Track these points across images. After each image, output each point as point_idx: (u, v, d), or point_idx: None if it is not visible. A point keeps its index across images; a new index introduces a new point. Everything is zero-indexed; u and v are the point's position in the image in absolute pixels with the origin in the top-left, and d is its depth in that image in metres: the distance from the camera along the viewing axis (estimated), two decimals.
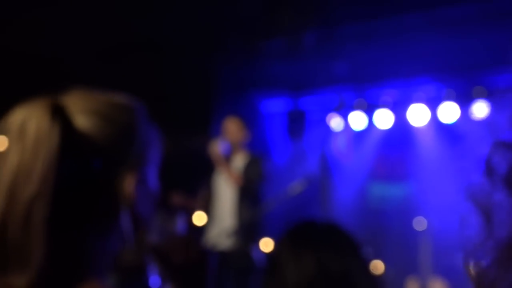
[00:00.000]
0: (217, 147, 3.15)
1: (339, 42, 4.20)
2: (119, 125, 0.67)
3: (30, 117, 0.60)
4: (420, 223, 3.67)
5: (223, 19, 3.94)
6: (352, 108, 5.32)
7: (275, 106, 6.09)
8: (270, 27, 3.64)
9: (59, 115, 0.62)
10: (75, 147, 0.62)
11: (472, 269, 0.62)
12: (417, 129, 5.38)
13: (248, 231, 3.08)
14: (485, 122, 5.02)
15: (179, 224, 3.24)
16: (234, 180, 3.11)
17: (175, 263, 0.86)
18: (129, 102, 0.72)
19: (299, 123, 5.57)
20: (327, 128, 5.50)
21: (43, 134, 0.59)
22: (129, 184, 0.67)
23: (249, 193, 3.13)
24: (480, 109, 4.76)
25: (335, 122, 5.34)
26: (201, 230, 3.59)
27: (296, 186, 2.52)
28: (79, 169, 0.63)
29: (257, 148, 5.74)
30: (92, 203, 0.65)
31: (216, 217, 3.18)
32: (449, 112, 4.88)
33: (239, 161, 3.31)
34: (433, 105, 5.10)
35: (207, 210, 3.37)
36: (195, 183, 3.54)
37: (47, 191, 0.58)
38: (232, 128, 3.35)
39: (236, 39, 4.15)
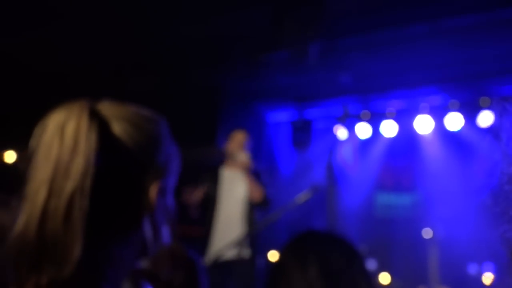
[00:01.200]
0: (248, 161, 3.18)
1: (343, 53, 4.23)
2: (148, 134, 0.70)
3: (69, 118, 0.62)
4: (427, 233, 3.64)
5: (229, 31, 3.98)
6: (357, 118, 5.33)
7: (280, 117, 6.11)
8: (274, 39, 3.67)
9: (96, 117, 0.64)
10: (110, 149, 0.64)
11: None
12: (423, 138, 5.37)
13: (254, 241, 3.08)
14: (491, 131, 5.01)
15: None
16: (259, 193, 3.13)
17: (163, 280, 0.84)
18: (154, 114, 0.75)
19: (304, 134, 5.58)
20: (333, 138, 5.51)
21: (82, 133, 0.61)
22: (153, 193, 0.68)
23: (265, 205, 3.16)
24: (486, 118, 4.75)
25: (341, 132, 5.34)
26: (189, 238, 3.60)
27: (302, 196, 2.52)
28: (113, 170, 0.65)
29: (263, 159, 5.75)
30: (121, 205, 0.66)
31: (222, 227, 3.17)
32: (454, 121, 4.88)
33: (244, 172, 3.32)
34: (438, 115, 5.11)
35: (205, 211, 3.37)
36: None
37: (87, 187, 0.60)
38: (246, 141, 3.39)
39: (241, 52, 4.19)
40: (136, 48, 4.36)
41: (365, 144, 5.66)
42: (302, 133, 5.58)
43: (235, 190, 3.21)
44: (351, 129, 5.33)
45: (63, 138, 0.61)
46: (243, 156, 3.21)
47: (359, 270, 0.93)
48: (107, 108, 0.69)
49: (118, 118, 0.68)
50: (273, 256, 4.78)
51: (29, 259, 0.58)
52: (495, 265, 4.24)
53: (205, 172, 3.46)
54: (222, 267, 2.87)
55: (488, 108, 4.80)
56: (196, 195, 3.27)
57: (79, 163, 0.60)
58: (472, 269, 4.29)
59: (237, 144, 3.36)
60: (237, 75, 4.73)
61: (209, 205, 3.32)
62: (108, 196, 0.64)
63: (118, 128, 0.67)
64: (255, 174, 3.31)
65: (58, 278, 0.57)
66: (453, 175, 5.17)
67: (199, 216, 3.44)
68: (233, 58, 4.31)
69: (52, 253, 0.57)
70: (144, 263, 0.85)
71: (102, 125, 0.65)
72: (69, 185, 0.59)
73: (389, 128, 5.19)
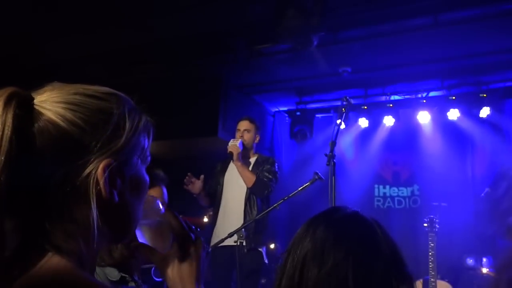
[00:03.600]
0: (238, 147, 3.18)
1: (344, 45, 4.23)
2: (87, 112, 0.66)
3: None
4: (427, 225, 3.68)
5: (230, 23, 3.99)
6: (357, 110, 5.35)
7: (281, 109, 6.13)
8: (276, 31, 3.68)
9: (16, 102, 0.62)
10: (34, 133, 0.63)
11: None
12: (423, 130, 5.39)
13: (257, 229, 3.11)
14: (490, 124, 5.03)
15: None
16: (249, 179, 3.14)
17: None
18: (104, 90, 0.71)
19: (305, 125, 5.60)
20: (333, 130, 5.52)
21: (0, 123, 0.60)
22: (100, 171, 0.65)
23: (260, 192, 3.16)
24: (485, 111, 4.77)
25: (341, 124, 5.37)
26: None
27: (305, 185, 2.55)
28: (41, 155, 0.63)
29: (264, 150, 5.78)
30: (60, 188, 0.64)
31: (225, 215, 3.21)
32: (454, 113, 4.90)
33: (251, 161, 3.34)
34: (438, 107, 5.13)
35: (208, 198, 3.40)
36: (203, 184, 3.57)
37: (3, 180, 0.59)
38: (248, 130, 3.39)
39: (243, 43, 4.20)
40: (138, 38, 4.36)
41: (365, 136, 5.68)
42: (302, 125, 5.60)
43: (237, 178, 3.24)
44: (351, 121, 5.35)
45: None
46: (230, 143, 3.23)
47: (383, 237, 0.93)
48: (44, 92, 0.67)
49: (52, 100, 0.66)
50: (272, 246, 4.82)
51: None
52: (493, 258, 4.28)
53: (219, 162, 3.50)
54: (223, 253, 2.91)
55: (488, 100, 4.82)
56: (194, 184, 3.30)
57: None
58: (470, 262, 4.34)
59: (239, 135, 3.39)
60: (238, 66, 4.74)
61: (216, 194, 3.37)
62: (44, 183, 0.63)
63: (49, 111, 0.65)
64: (263, 161, 3.33)
65: None
66: (452, 166, 5.20)
67: (209, 205, 3.48)
68: (234, 49, 4.32)
69: None
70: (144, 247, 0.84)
71: (22, 110, 0.62)
72: None
73: (389, 120, 5.22)
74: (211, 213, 4.65)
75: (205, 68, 4.80)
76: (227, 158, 3.46)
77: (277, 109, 6.17)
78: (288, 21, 3.54)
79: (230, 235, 2.65)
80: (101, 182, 0.65)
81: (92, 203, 0.65)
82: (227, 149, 3.22)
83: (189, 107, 4.89)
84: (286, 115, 6.12)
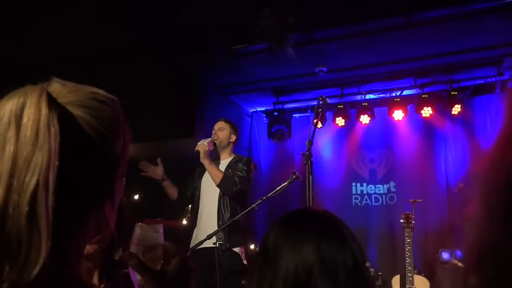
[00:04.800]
0: (205, 145, 3.14)
1: (320, 45, 4.27)
2: (105, 120, 0.66)
3: (26, 106, 0.57)
4: (403, 221, 3.75)
5: (207, 22, 3.97)
6: (333, 108, 5.41)
7: (258, 109, 6.14)
8: (252, 31, 3.69)
9: (55, 104, 0.60)
10: (72, 138, 0.61)
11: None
12: (397, 128, 5.50)
13: (231, 230, 3.07)
14: (461, 121, 5.16)
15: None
16: (216, 176, 3.11)
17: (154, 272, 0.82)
18: (109, 96, 0.70)
19: (282, 125, 5.63)
20: (310, 129, 5.57)
21: (42, 124, 0.56)
22: (113, 178, 0.67)
23: (228, 189, 3.12)
24: (456, 109, 4.90)
25: (318, 123, 5.41)
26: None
27: (282, 186, 2.56)
28: (76, 161, 0.62)
29: (242, 150, 5.77)
30: (86, 194, 0.63)
31: (203, 217, 3.18)
32: (427, 112, 5.00)
33: (227, 161, 3.33)
34: (412, 105, 5.23)
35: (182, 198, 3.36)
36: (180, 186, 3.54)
37: (52, 182, 0.55)
38: (222, 129, 3.36)
39: (220, 43, 4.19)
40: (114, 37, 4.30)
41: (342, 135, 5.75)
42: (280, 125, 5.63)
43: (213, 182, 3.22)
44: (328, 120, 5.41)
45: (20, 129, 0.56)
46: (200, 142, 3.21)
47: (357, 247, 0.92)
48: (61, 92, 0.65)
49: (74, 104, 0.64)
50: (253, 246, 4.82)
51: None
52: (465, 252, 4.39)
53: (198, 165, 3.45)
54: (202, 255, 2.88)
55: (459, 98, 4.95)
56: (155, 170, 3.25)
57: (42, 157, 0.55)
58: (445, 256, 4.44)
59: (214, 132, 3.37)
60: (215, 67, 4.72)
61: (193, 196, 3.33)
62: (72, 188, 0.61)
63: (76, 116, 0.63)
64: (237, 161, 3.31)
65: (23, 281, 0.51)
66: (427, 163, 5.31)
67: (180, 200, 3.43)
68: (211, 49, 4.30)
69: (16, 254, 0.52)
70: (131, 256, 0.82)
71: (63, 114, 0.60)
72: (32, 181, 0.54)
73: (365, 119, 5.29)
74: (189, 215, 4.61)
75: (182, 68, 4.76)
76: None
77: (254, 110, 6.18)
78: (264, 21, 3.55)
79: (209, 237, 2.63)
80: (114, 189, 0.67)
81: (107, 208, 0.66)
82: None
83: (165, 108, 4.84)
84: (264, 115, 6.14)
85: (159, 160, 3.27)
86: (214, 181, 3.14)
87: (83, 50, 4.41)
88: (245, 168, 3.22)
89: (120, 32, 4.19)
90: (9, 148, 0.55)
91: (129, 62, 4.58)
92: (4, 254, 0.52)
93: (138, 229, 0.85)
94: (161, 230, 0.86)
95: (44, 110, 0.57)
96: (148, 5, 3.80)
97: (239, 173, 3.18)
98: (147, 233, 0.85)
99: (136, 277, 0.80)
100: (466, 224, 3.83)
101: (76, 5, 3.77)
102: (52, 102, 0.59)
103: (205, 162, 3.12)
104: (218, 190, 3.18)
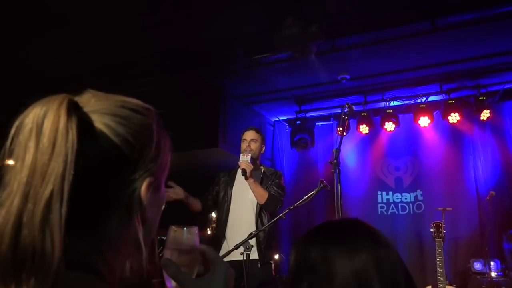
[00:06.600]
0: (249, 163, 3.11)
1: (343, 52, 4.24)
2: (134, 128, 0.64)
3: (47, 114, 0.57)
4: (433, 230, 3.64)
5: (228, 33, 3.99)
6: (358, 116, 5.34)
7: (281, 118, 6.12)
8: (275, 40, 3.68)
9: (76, 112, 0.59)
10: (91, 147, 0.60)
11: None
12: (424, 135, 5.38)
13: (268, 244, 3.07)
14: (490, 126, 5.02)
15: None
16: (262, 196, 3.08)
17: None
18: (142, 104, 0.69)
19: (305, 134, 5.59)
20: (335, 137, 5.52)
21: (59, 132, 0.56)
22: (144, 189, 0.64)
23: (272, 208, 3.12)
24: (485, 114, 4.77)
25: (342, 130, 5.37)
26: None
27: (310, 195, 2.51)
28: (95, 170, 0.60)
29: (265, 160, 5.75)
30: (108, 205, 0.62)
31: (234, 229, 3.14)
32: (454, 118, 4.89)
33: (258, 174, 3.29)
34: (438, 112, 5.12)
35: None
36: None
37: (66, 191, 0.55)
38: (255, 140, 3.33)
39: (242, 52, 4.19)
40: (138, 51, 4.36)
41: (366, 143, 5.67)
42: (303, 133, 5.59)
43: (246, 192, 3.20)
44: (351, 128, 5.34)
45: (40, 137, 0.56)
46: (241, 159, 3.17)
47: (397, 255, 0.90)
48: (89, 101, 0.64)
49: (101, 112, 0.63)
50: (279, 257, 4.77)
51: (4, 271, 0.52)
52: (499, 261, 4.23)
53: (221, 172, 3.44)
54: (232, 267, 2.85)
55: (488, 103, 4.82)
56: (174, 189, 3.22)
57: (57, 166, 0.55)
58: (478, 266, 4.28)
59: (245, 145, 3.34)
60: (237, 77, 4.73)
61: (220, 206, 3.32)
62: (92, 197, 0.60)
63: (100, 123, 0.62)
64: (271, 175, 3.28)
65: None
66: (455, 170, 5.17)
67: (203, 210, 3.40)
68: (233, 60, 4.31)
69: (30, 263, 0.52)
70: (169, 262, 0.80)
71: (82, 122, 0.59)
72: (46, 190, 0.54)
73: (390, 126, 5.20)
74: (214, 225, 4.60)
75: (204, 79, 4.79)
76: (231, 169, 3.42)
77: (277, 119, 6.16)
78: (287, 30, 3.53)
79: (237, 247, 2.61)
80: (144, 200, 0.65)
81: (136, 220, 0.64)
82: (238, 164, 3.17)
83: (188, 119, 4.87)
84: (286, 124, 6.11)
85: (172, 183, 3.25)
86: (258, 200, 3.14)
87: (108, 65, 4.49)
88: (281, 184, 3.24)
89: (144, 44, 4.25)
90: (29, 157, 0.55)
91: (153, 74, 4.63)
92: (20, 262, 0.53)
93: (172, 232, 0.82)
94: (196, 232, 0.83)
95: (63, 118, 0.57)
96: (170, 18, 3.85)
97: (277, 189, 3.18)
98: (182, 236, 0.82)
99: (171, 283, 0.77)
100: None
101: (103, 20, 3.84)
102: (73, 110, 0.58)
103: (251, 181, 3.11)
104: (254, 203, 3.18)
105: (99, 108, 0.64)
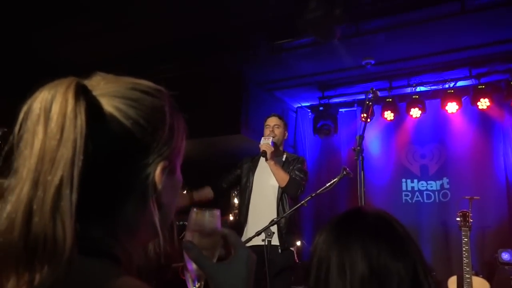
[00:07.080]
0: (270, 145, 3.09)
1: (367, 36, 4.13)
2: (146, 110, 0.62)
3: (55, 99, 0.55)
4: (460, 219, 3.55)
5: (251, 18, 3.94)
6: (382, 102, 5.23)
7: (303, 104, 6.05)
8: (298, 25, 3.60)
9: (84, 95, 0.57)
10: (101, 131, 0.58)
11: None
12: (451, 121, 5.23)
13: (289, 229, 3.06)
14: None
15: None
16: (283, 179, 3.07)
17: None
18: (154, 86, 0.67)
19: (328, 120, 5.51)
20: (359, 123, 5.42)
21: (68, 117, 0.55)
22: (158, 172, 0.63)
23: (294, 191, 3.10)
24: None
25: (366, 117, 5.27)
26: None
27: (333, 182, 2.47)
28: (106, 154, 0.59)
29: (288, 147, 5.71)
30: (119, 189, 0.61)
31: (256, 214, 3.15)
32: (484, 103, 4.73)
33: (280, 159, 3.27)
34: (467, 97, 4.96)
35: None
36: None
37: (76, 177, 0.54)
38: (278, 126, 3.31)
39: (264, 38, 4.14)
40: (158, 37, 4.36)
41: (390, 129, 5.55)
42: (326, 120, 5.51)
43: (268, 177, 3.18)
44: (375, 113, 5.23)
45: (48, 122, 0.54)
46: (262, 141, 3.15)
47: (413, 261, 0.83)
48: (98, 84, 0.63)
49: (111, 94, 0.61)
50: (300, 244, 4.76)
51: (17, 260, 0.52)
52: None
53: (245, 158, 3.44)
54: (254, 251, 2.86)
55: None
56: (204, 193, 3.26)
57: (66, 151, 0.53)
58: (506, 256, 4.17)
59: (268, 130, 3.32)
60: (259, 63, 4.68)
61: (243, 191, 3.32)
62: (104, 183, 0.59)
63: (110, 106, 0.60)
64: (293, 160, 3.26)
65: (53, 276, 0.51)
66: (483, 157, 5.02)
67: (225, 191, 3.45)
68: (254, 46, 4.27)
69: (42, 251, 0.52)
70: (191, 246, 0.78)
71: (91, 105, 0.57)
72: (56, 176, 0.53)
73: (415, 112, 5.08)
74: (236, 211, 4.61)
75: (226, 65, 4.76)
76: (255, 155, 3.40)
77: (299, 105, 6.09)
78: (310, 13, 3.46)
79: (258, 233, 2.60)
80: (159, 185, 0.63)
81: (152, 205, 0.63)
82: (259, 148, 3.14)
83: (210, 105, 4.86)
84: (309, 110, 6.04)
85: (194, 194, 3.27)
86: (279, 183, 3.12)
87: (129, 51, 4.51)
88: (304, 169, 3.21)
89: (165, 31, 4.24)
90: (37, 143, 0.54)
91: (174, 61, 4.63)
92: (32, 251, 0.52)
93: (194, 215, 0.81)
94: (218, 215, 0.81)
95: (71, 102, 0.55)
96: (192, 4, 3.82)
97: (299, 173, 3.16)
98: (204, 218, 0.80)
99: (192, 266, 0.77)
100: None
101: (126, 7, 3.84)
102: (81, 93, 0.57)
103: (271, 163, 3.10)
104: (276, 189, 3.16)
105: (109, 91, 0.62)
